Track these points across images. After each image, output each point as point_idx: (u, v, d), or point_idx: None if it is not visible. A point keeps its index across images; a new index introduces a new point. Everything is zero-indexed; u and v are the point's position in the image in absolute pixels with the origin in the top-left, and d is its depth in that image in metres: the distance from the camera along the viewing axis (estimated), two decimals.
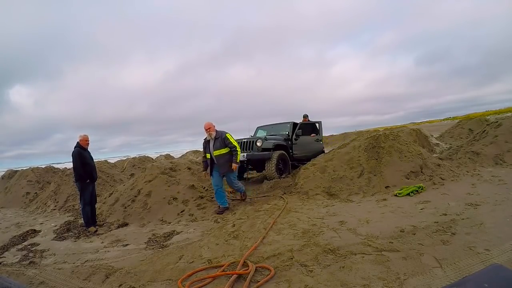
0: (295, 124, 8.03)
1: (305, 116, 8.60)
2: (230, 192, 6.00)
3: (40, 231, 4.88)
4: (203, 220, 4.40)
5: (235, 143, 4.64)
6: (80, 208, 4.68)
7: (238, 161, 4.66)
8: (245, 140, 7.11)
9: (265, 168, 6.66)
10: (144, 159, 12.78)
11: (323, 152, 8.34)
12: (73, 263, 3.15)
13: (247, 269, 2.33)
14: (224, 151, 4.63)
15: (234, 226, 3.76)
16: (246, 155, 6.64)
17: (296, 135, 7.62)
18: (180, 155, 23.01)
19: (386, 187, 4.66)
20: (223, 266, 2.48)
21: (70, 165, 4.72)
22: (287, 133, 7.82)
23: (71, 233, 4.46)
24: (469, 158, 6.07)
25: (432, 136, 12.40)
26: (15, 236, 4.60)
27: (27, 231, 4.79)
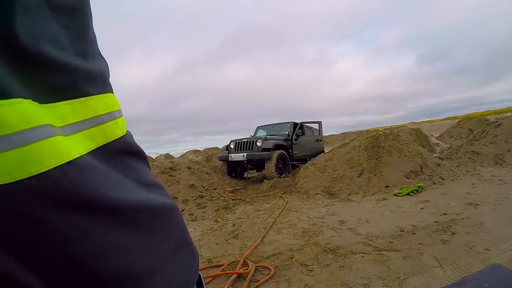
0: (295, 124, 8.03)
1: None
2: (230, 192, 5.98)
3: None
4: (203, 219, 4.40)
5: None
6: None
7: None
8: (245, 140, 7.11)
9: (265, 168, 6.66)
10: None
11: (323, 152, 8.35)
12: None
13: (247, 269, 2.33)
14: None
15: (234, 225, 3.76)
16: (246, 155, 6.64)
17: (296, 135, 7.62)
18: (179, 155, 23.00)
19: (386, 186, 4.66)
20: (223, 265, 2.48)
21: None
22: (287, 133, 7.83)
23: None
24: (469, 158, 6.07)
25: (432, 136, 12.39)
26: None
27: None
